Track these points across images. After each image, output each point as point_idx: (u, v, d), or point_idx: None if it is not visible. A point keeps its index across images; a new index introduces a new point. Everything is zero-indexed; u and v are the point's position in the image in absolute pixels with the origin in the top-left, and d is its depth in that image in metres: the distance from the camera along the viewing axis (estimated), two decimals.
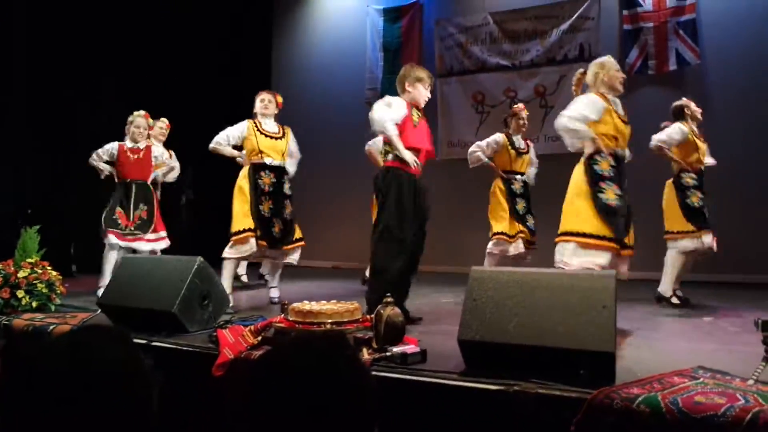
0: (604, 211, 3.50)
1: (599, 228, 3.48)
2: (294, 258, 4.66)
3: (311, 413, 0.86)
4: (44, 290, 3.89)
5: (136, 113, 5.14)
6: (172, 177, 5.56)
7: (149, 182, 5.10)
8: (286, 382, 0.89)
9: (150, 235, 4.98)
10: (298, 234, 4.62)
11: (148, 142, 5.18)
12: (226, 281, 4.21)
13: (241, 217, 4.35)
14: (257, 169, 4.46)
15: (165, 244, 5.15)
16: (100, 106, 6.96)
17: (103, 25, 7.05)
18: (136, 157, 5.05)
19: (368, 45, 8.07)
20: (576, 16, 6.98)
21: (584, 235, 3.49)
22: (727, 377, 2.28)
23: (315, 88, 8.36)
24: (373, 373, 2.40)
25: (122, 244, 4.85)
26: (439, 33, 7.74)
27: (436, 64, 7.71)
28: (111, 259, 4.75)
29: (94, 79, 7.00)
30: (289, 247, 4.57)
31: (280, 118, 4.87)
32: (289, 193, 4.59)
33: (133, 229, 4.92)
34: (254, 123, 4.57)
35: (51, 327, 3.34)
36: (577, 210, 3.57)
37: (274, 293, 4.69)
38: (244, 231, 4.31)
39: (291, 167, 4.69)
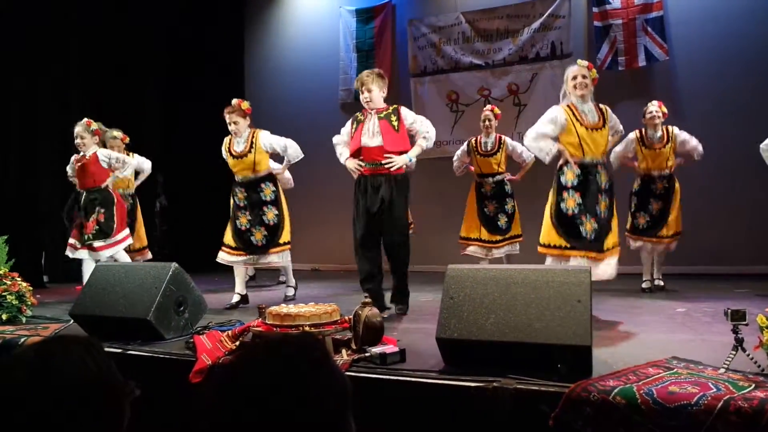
0: (557, 218, 3.70)
1: (554, 238, 3.68)
2: (276, 260, 4.77)
3: (272, 419, 0.85)
4: (14, 302, 3.80)
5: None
6: (127, 173, 5.22)
7: (104, 187, 4.88)
8: (246, 388, 0.88)
9: (110, 240, 4.80)
10: (284, 238, 4.75)
11: (95, 149, 4.95)
12: (237, 282, 4.67)
13: (226, 231, 4.71)
14: (234, 185, 4.76)
15: (123, 246, 4.94)
16: (67, 113, 6.81)
17: (72, 30, 6.91)
18: (80, 165, 4.91)
19: (341, 46, 8.05)
20: (547, 14, 7.06)
21: (548, 246, 3.71)
22: (699, 367, 2.33)
23: (289, 90, 8.30)
24: (353, 374, 2.39)
25: (74, 254, 4.79)
26: (412, 33, 7.75)
27: (409, 64, 7.73)
28: (87, 271, 4.64)
29: (61, 83, 6.85)
30: (275, 250, 4.71)
31: (253, 121, 4.83)
32: (269, 199, 4.71)
33: (90, 236, 4.76)
34: (228, 142, 4.77)
35: (22, 339, 3.26)
36: (545, 221, 3.78)
37: (289, 291, 5.00)
38: (223, 245, 4.67)
39: (292, 158, 4.80)
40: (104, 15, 7.10)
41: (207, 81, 7.95)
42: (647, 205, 4.95)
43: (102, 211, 4.79)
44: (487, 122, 5.48)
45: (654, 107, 4.94)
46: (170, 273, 3.25)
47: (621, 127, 4.06)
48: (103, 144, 5.18)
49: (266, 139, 4.72)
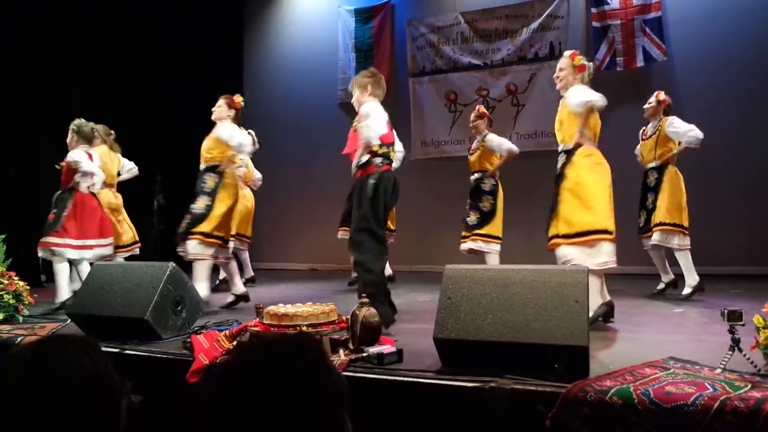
0: None
1: None
2: (185, 249, 4.42)
3: (269, 419, 0.86)
4: (11, 301, 3.80)
5: None
6: (95, 183, 4.96)
7: (69, 188, 4.76)
8: (243, 388, 0.88)
9: (52, 238, 4.58)
10: (199, 228, 4.38)
11: (78, 151, 4.85)
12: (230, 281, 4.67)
13: None
14: None
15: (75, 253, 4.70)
16: (67, 114, 6.79)
17: (72, 30, 6.90)
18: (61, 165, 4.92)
19: (340, 46, 8.05)
20: (545, 14, 7.07)
21: None
22: (696, 367, 2.33)
23: (288, 90, 8.31)
24: (350, 374, 2.40)
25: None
26: (410, 33, 7.76)
27: (408, 64, 7.74)
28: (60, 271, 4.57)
29: (60, 80, 6.84)
30: (189, 237, 4.40)
31: (252, 120, 4.83)
32: (206, 189, 4.44)
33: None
34: None
35: (19, 338, 3.25)
36: None
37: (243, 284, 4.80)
38: None
39: (236, 149, 4.51)
40: (104, 15, 7.09)
41: (207, 81, 7.93)
42: (645, 201, 4.86)
43: (54, 210, 4.64)
44: (470, 124, 5.59)
45: (651, 98, 4.92)
46: (168, 272, 3.25)
47: (592, 97, 3.53)
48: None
49: (219, 128, 4.54)
